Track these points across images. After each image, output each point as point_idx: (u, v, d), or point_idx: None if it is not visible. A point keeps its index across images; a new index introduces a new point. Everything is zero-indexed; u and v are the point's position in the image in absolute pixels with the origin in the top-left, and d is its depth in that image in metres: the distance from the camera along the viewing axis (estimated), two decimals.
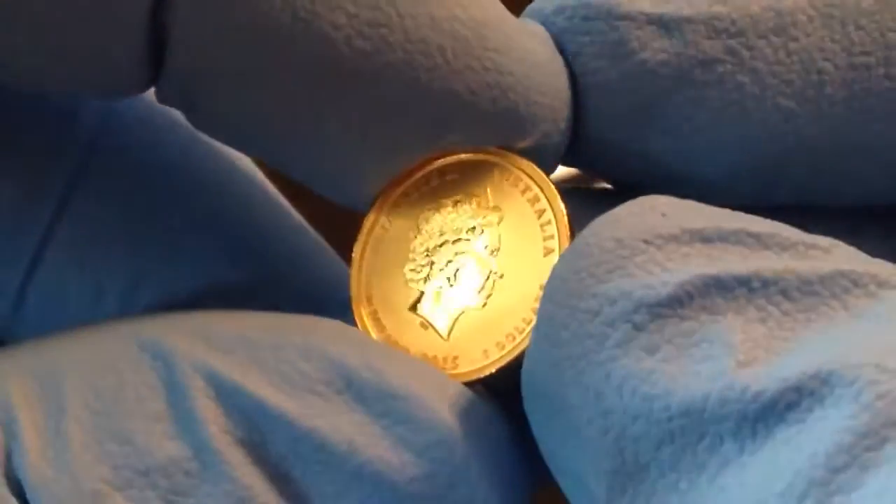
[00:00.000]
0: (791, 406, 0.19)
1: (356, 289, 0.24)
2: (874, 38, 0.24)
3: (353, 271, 0.24)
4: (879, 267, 0.20)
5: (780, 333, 0.20)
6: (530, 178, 0.23)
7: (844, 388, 0.18)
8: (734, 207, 0.21)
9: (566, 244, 0.23)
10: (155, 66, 0.23)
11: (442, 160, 0.24)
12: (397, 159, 0.24)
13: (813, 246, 0.21)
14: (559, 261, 0.21)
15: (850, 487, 0.18)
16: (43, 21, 0.22)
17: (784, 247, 0.21)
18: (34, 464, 0.21)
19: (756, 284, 0.20)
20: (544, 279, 0.21)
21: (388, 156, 0.23)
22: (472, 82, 0.23)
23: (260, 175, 0.27)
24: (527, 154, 0.24)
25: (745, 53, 0.24)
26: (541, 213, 0.23)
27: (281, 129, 0.23)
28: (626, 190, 0.24)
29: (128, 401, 0.21)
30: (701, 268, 0.20)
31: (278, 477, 0.21)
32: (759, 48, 0.24)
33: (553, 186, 0.23)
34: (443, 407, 0.21)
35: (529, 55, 0.24)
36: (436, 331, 0.23)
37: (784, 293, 0.20)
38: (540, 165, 0.24)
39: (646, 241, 0.20)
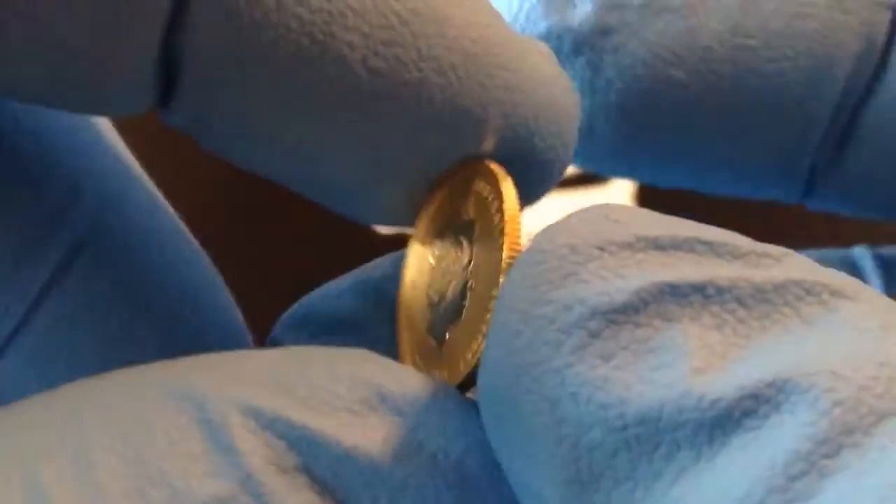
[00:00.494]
0: (748, 413, 0.19)
1: (398, 311, 0.24)
2: (759, 24, 0.26)
3: (399, 294, 0.24)
4: (831, 276, 0.20)
5: (736, 340, 0.19)
6: (497, 189, 0.23)
7: (801, 395, 0.18)
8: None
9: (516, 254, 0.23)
10: (163, 86, 0.23)
11: (449, 179, 0.24)
12: (410, 176, 0.24)
13: (765, 255, 0.21)
14: (513, 268, 0.21)
15: (808, 495, 0.18)
16: (49, 37, 0.21)
17: (736, 255, 0.20)
18: None
19: (711, 291, 0.20)
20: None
21: (401, 172, 0.23)
22: (483, 99, 0.23)
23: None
24: (530, 167, 0.24)
25: (638, 25, 0.26)
26: (500, 222, 0.23)
27: (296, 148, 0.23)
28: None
29: (160, 444, 0.20)
30: (656, 275, 0.20)
31: (324, 501, 0.21)
32: (651, 21, 0.26)
33: (514, 196, 0.23)
34: (469, 414, 0.21)
35: (537, 72, 0.24)
36: (434, 346, 0.23)
37: (739, 301, 0.20)
38: (544, 178, 0.24)
39: (599, 248, 0.20)
